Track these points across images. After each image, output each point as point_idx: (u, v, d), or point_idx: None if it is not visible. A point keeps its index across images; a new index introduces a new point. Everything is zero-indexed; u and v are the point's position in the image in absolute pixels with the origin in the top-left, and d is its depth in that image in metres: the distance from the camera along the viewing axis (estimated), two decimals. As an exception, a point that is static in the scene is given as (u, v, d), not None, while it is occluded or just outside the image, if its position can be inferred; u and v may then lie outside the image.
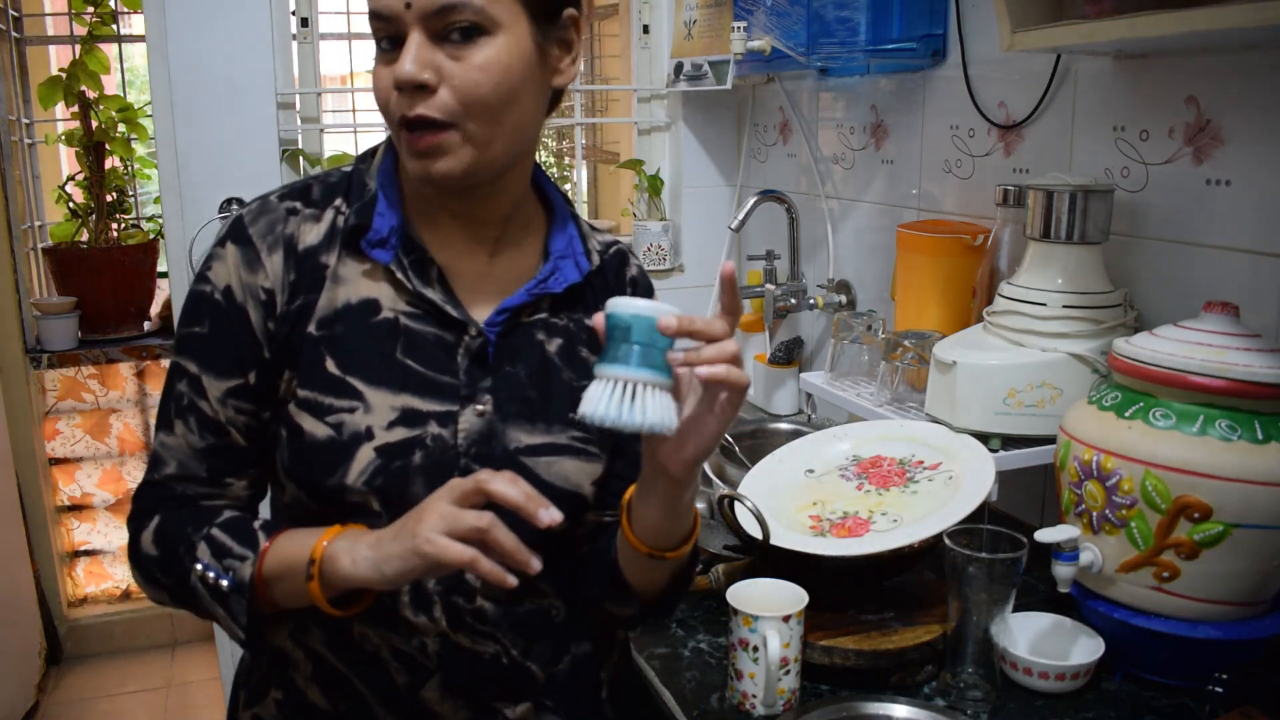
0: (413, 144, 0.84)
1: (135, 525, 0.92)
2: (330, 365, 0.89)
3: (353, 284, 0.90)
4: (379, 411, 0.88)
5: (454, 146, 0.84)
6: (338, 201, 0.93)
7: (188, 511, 0.91)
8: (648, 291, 1.04)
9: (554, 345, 0.96)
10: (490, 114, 0.84)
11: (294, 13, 2.11)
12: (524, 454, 0.92)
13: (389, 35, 0.83)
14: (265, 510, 0.98)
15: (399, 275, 0.90)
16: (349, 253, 0.91)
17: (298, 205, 0.92)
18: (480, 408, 0.91)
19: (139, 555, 0.92)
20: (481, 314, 0.93)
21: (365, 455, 0.87)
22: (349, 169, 0.96)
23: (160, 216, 2.16)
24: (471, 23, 0.81)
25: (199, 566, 0.86)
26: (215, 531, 0.88)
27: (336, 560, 0.82)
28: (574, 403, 0.93)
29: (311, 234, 0.91)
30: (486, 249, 0.94)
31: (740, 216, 1.89)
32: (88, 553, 3.15)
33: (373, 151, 0.96)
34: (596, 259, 0.98)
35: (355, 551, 0.81)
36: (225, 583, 0.85)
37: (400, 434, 0.88)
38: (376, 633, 0.91)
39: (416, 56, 0.81)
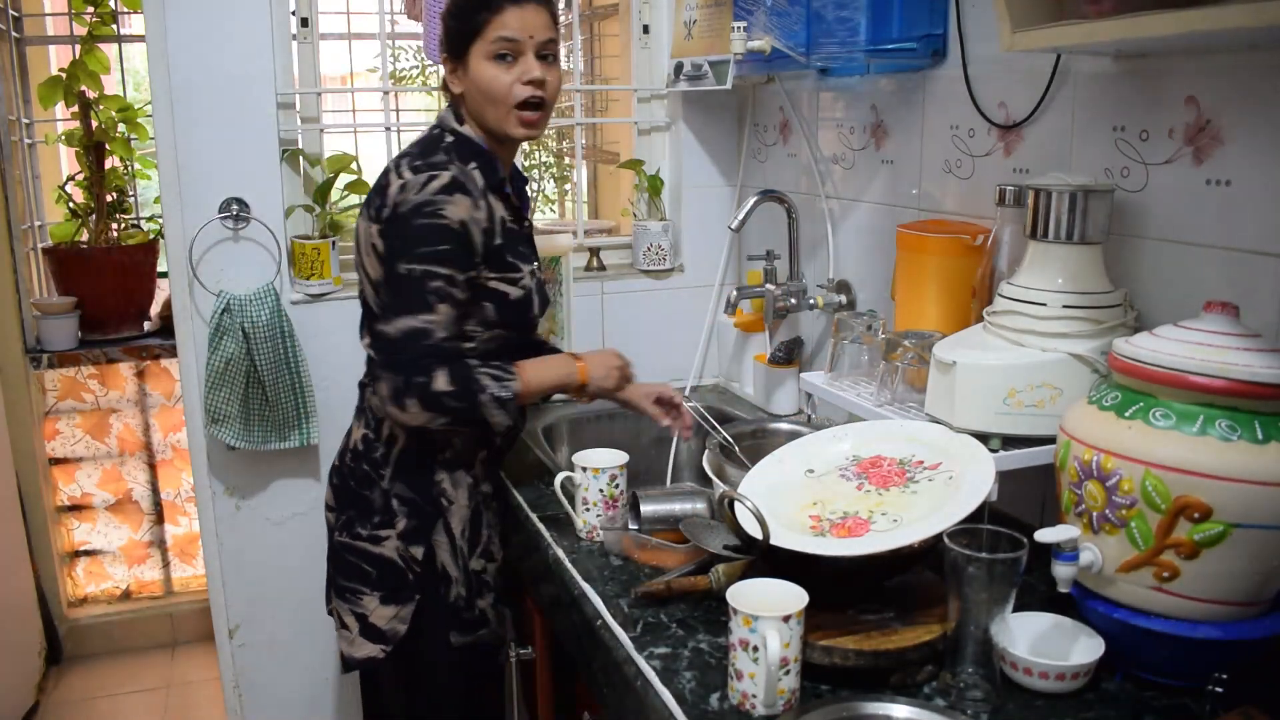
0: (524, 118, 1.50)
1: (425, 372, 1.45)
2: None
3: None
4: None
5: (543, 119, 1.52)
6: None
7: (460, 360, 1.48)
8: None
9: None
10: (555, 101, 1.54)
11: (294, 13, 2.10)
12: None
13: (509, 52, 1.47)
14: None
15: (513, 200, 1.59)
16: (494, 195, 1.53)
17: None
18: (536, 264, 1.62)
19: (431, 394, 1.43)
20: None
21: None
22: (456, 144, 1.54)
23: (160, 216, 2.15)
24: (554, 53, 1.51)
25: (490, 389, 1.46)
26: (484, 368, 1.47)
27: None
28: None
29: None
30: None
31: (740, 216, 1.89)
32: (88, 553, 3.15)
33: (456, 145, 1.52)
34: None
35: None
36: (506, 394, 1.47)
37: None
38: None
39: (538, 67, 1.48)
